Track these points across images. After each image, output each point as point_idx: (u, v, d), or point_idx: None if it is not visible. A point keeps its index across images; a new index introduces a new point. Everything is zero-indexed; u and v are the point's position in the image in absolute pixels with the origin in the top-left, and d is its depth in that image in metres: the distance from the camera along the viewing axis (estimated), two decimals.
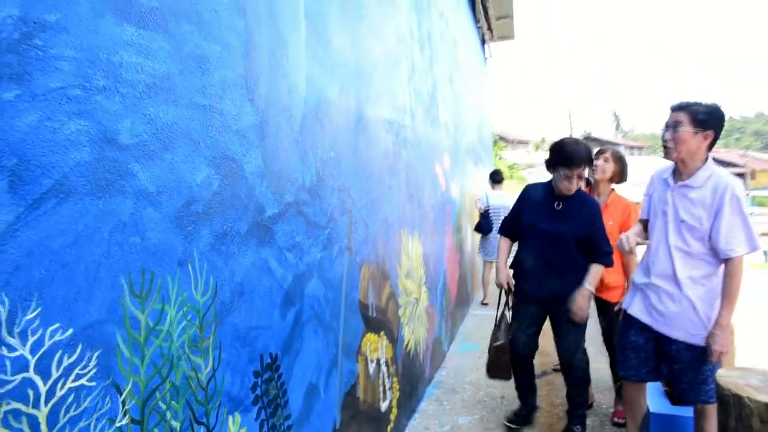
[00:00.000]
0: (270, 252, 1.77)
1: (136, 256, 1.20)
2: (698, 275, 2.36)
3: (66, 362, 1.00)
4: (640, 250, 2.87)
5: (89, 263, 1.07)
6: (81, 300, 1.04)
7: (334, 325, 2.30)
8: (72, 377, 1.01)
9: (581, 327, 3.07)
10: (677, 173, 2.45)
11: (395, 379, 3.14)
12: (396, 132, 3.36)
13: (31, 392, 0.93)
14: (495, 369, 3.30)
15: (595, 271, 2.99)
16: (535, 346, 3.19)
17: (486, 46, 10.83)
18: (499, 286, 3.30)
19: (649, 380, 2.64)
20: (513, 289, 3.26)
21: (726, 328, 2.28)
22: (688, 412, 2.61)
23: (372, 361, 2.75)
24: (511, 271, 3.27)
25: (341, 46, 2.47)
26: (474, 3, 8.78)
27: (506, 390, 3.85)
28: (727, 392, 1.94)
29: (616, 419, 3.34)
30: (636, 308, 2.58)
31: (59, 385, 0.99)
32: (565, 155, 2.87)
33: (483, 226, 6.43)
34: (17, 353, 0.91)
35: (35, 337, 0.94)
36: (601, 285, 3.20)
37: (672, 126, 2.36)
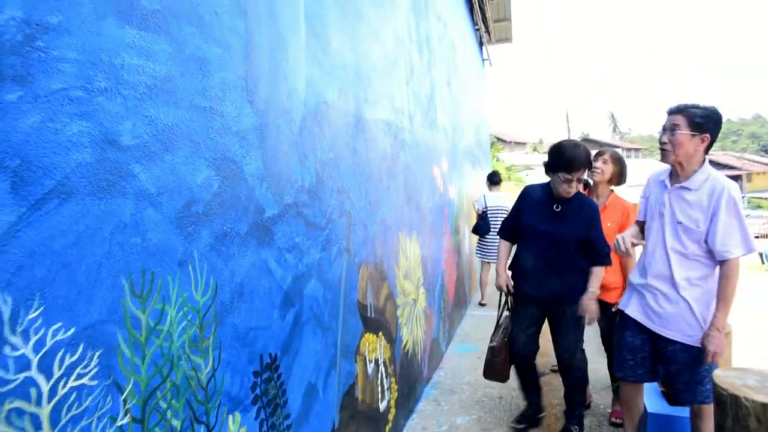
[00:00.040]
0: (270, 253, 1.78)
1: (137, 257, 1.21)
2: (695, 277, 2.38)
3: (68, 361, 1.01)
4: (637, 251, 2.88)
5: (90, 263, 1.08)
6: (82, 300, 1.05)
7: (333, 326, 2.31)
8: (74, 376, 1.02)
9: (580, 328, 3.08)
10: (674, 175, 2.47)
11: (393, 380, 3.15)
12: (394, 134, 3.37)
13: (33, 391, 0.94)
14: (490, 370, 3.31)
15: (598, 272, 3.01)
16: (536, 347, 3.20)
17: (484, 48, 10.85)
18: (499, 288, 3.31)
19: (645, 381, 2.65)
20: (512, 291, 3.28)
21: (721, 329, 2.30)
22: (684, 412, 2.63)
23: (370, 362, 2.76)
24: (510, 273, 3.28)
25: (340, 48, 2.48)
26: (472, 6, 8.81)
27: (504, 390, 3.86)
28: (724, 392, 1.96)
29: (613, 419, 3.36)
30: (633, 309, 2.60)
31: (61, 384, 0.99)
32: (565, 160, 2.87)
33: (481, 227, 6.44)
34: (20, 352, 0.92)
35: (37, 336, 0.95)
36: (600, 286, 3.22)
37: (669, 129, 2.37)
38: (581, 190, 3.08)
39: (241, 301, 1.60)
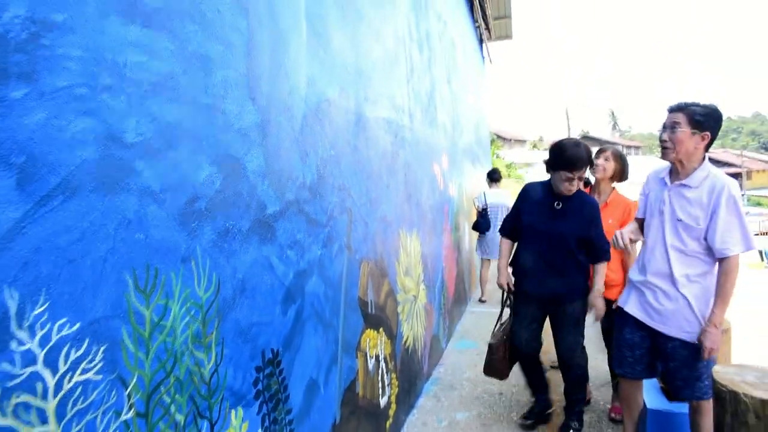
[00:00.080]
0: (271, 249, 1.79)
1: (141, 253, 1.22)
2: (694, 274, 2.39)
3: (73, 356, 1.02)
4: (637, 248, 2.90)
5: (95, 259, 1.09)
6: (87, 295, 1.06)
7: (334, 322, 2.32)
8: (79, 371, 1.03)
9: (580, 326, 3.10)
10: (674, 173, 2.48)
11: (394, 376, 3.16)
12: (395, 132, 3.38)
13: (39, 385, 0.95)
14: (489, 368, 3.32)
15: (601, 270, 3.05)
16: (539, 344, 3.21)
17: (484, 46, 10.84)
18: (500, 286, 3.33)
19: (643, 377, 2.66)
20: (513, 289, 3.29)
21: (718, 326, 2.31)
22: (684, 408, 2.64)
23: (371, 358, 2.77)
24: (511, 269, 3.29)
25: (341, 46, 2.49)
26: (472, 3, 8.80)
27: (504, 387, 3.88)
28: (723, 388, 1.97)
29: (613, 415, 3.37)
30: (632, 306, 2.61)
31: (66, 378, 1.00)
32: (566, 159, 2.87)
33: (481, 224, 6.45)
34: (26, 347, 0.93)
35: (43, 331, 0.96)
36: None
37: (670, 127, 2.38)
38: (582, 187, 3.09)
39: (244, 297, 1.61)
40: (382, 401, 2.93)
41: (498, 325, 3.43)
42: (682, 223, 2.39)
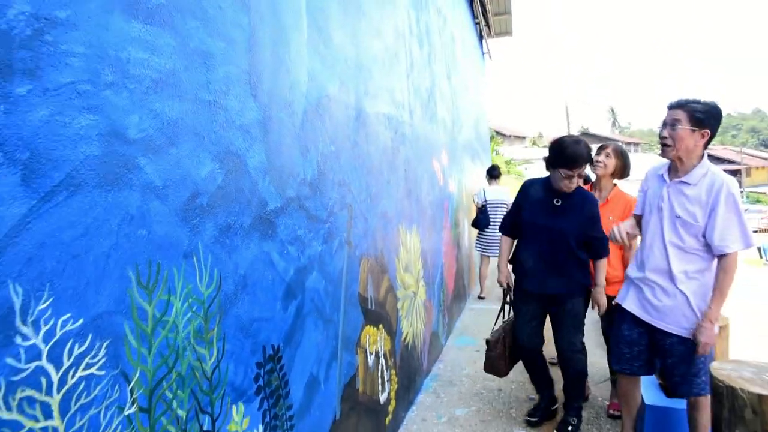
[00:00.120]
0: (272, 245, 1.79)
1: (143, 248, 1.22)
2: (692, 270, 2.40)
3: (77, 351, 1.03)
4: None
5: (98, 255, 1.09)
6: (90, 291, 1.07)
7: (334, 318, 2.33)
8: (83, 366, 1.04)
9: (581, 324, 3.12)
10: (673, 170, 2.48)
11: (393, 372, 3.17)
12: (395, 128, 3.38)
13: (44, 380, 0.96)
14: (487, 364, 3.34)
15: (602, 266, 3.08)
16: (541, 339, 3.22)
17: (484, 42, 10.83)
18: (500, 284, 3.35)
19: (641, 374, 2.68)
20: (512, 287, 3.31)
21: (714, 321, 2.32)
22: (681, 404, 2.66)
23: (371, 354, 2.79)
24: (511, 267, 3.30)
25: (342, 42, 2.49)
26: (472, 0, 8.79)
27: (503, 383, 3.89)
28: (720, 384, 1.98)
29: (611, 411, 3.39)
30: (630, 302, 2.62)
31: (70, 373, 1.01)
32: (567, 156, 2.88)
33: (480, 221, 6.46)
34: (30, 342, 0.93)
35: (47, 326, 0.97)
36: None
37: (670, 124, 2.38)
38: (581, 185, 3.09)
39: (245, 293, 1.62)
40: (382, 397, 2.94)
41: (497, 322, 3.44)
42: (681, 220, 2.39)
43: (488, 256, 6.71)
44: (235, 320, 1.57)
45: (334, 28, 2.40)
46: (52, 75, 0.99)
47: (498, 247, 3.47)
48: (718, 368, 2.09)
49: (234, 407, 1.56)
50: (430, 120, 4.60)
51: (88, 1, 1.07)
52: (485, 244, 6.64)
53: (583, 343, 3.15)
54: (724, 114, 2.43)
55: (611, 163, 3.30)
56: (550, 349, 3.35)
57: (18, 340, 0.91)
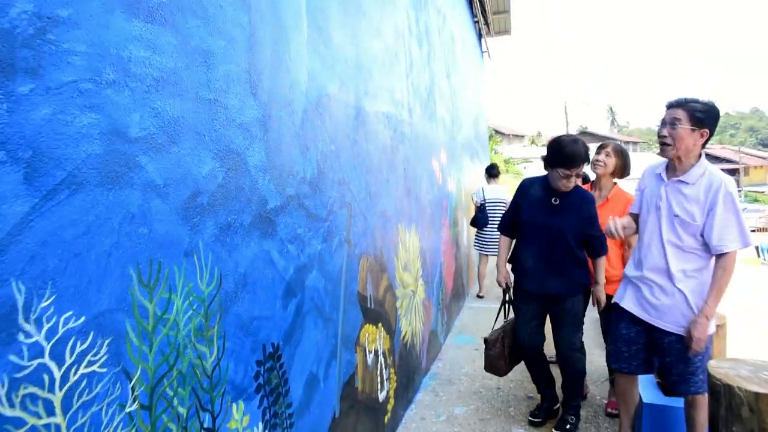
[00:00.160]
0: (272, 244, 1.80)
1: (144, 247, 1.23)
2: (690, 269, 2.41)
3: (79, 349, 1.03)
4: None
5: (100, 253, 1.10)
6: (92, 289, 1.07)
7: (334, 316, 2.33)
8: (84, 363, 1.04)
9: (580, 323, 3.13)
10: (671, 169, 2.49)
11: (392, 370, 3.18)
12: (394, 127, 3.39)
13: (46, 377, 0.96)
14: (487, 363, 3.35)
15: (601, 264, 3.11)
16: (542, 338, 3.23)
17: (483, 40, 10.84)
18: (500, 285, 3.36)
19: (639, 373, 2.68)
20: (511, 287, 3.32)
21: (709, 317, 2.32)
22: (679, 402, 2.67)
23: (370, 352, 2.79)
24: (510, 266, 3.31)
25: (342, 41, 2.49)
26: None
27: (502, 381, 3.91)
28: (718, 382, 2.00)
29: (609, 410, 3.40)
30: (628, 301, 2.62)
31: (72, 371, 1.02)
32: (565, 156, 2.89)
33: (479, 219, 6.47)
34: (33, 339, 0.94)
35: (50, 324, 0.97)
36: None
37: (670, 123, 2.38)
38: (580, 184, 3.10)
39: (245, 292, 1.63)
40: (381, 396, 2.95)
41: (497, 322, 3.45)
42: (679, 219, 2.40)
43: (487, 255, 6.72)
44: (236, 318, 1.58)
45: (334, 27, 2.41)
46: (54, 74, 0.99)
47: (497, 246, 3.48)
48: (716, 366, 2.10)
49: (234, 405, 1.56)
50: (429, 119, 4.61)
51: (89, 0, 1.07)
52: (484, 242, 6.65)
53: (582, 343, 3.16)
54: (722, 113, 2.44)
55: (611, 162, 3.30)
56: (549, 348, 3.36)
57: (21, 337, 0.91)
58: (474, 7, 9.08)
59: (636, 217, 2.69)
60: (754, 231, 21.73)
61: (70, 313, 1.02)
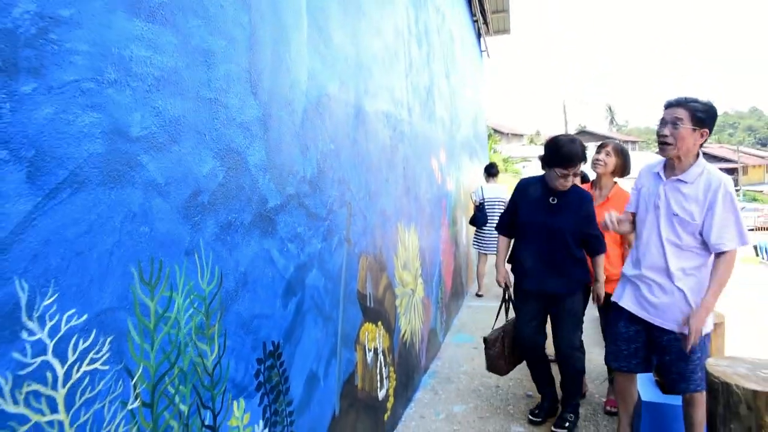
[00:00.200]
0: (272, 243, 1.81)
1: (146, 246, 1.23)
2: (689, 267, 2.41)
3: (81, 346, 1.04)
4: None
5: (102, 252, 1.10)
6: (94, 287, 1.08)
7: (334, 315, 2.34)
8: (87, 361, 1.05)
9: (580, 322, 3.15)
10: (669, 168, 2.49)
11: (392, 369, 3.19)
12: (393, 126, 3.39)
13: (49, 374, 0.97)
14: (487, 362, 3.36)
15: (600, 261, 3.14)
16: (543, 337, 3.24)
17: (482, 40, 10.84)
18: (500, 284, 3.37)
19: (638, 371, 2.69)
20: (511, 286, 3.33)
21: (708, 309, 2.31)
22: (678, 400, 2.68)
23: (369, 351, 2.80)
24: (509, 266, 3.32)
25: (341, 41, 2.50)
26: None
27: (501, 380, 3.91)
28: (716, 380, 2.00)
29: (608, 408, 3.41)
30: (627, 300, 2.63)
31: (75, 368, 1.02)
32: (562, 156, 2.90)
33: (478, 218, 6.48)
34: (36, 337, 0.94)
35: (52, 322, 0.98)
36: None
37: (671, 122, 2.37)
38: (579, 183, 3.11)
39: (245, 290, 1.63)
40: (381, 394, 2.96)
41: (497, 322, 3.46)
42: (678, 218, 2.41)
43: (486, 254, 6.73)
44: (236, 317, 1.58)
45: (334, 27, 2.41)
46: (57, 73, 1.00)
47: (495, 245, 3.49)
48: (714, 364, 2.11)
49: (235, 403, 1.57)
50: (428, 118, 4.62)
51: (91, 0, 1.08)
52: (483, 241, 6.66)
53: (582, 342, 3.17)
54: (721, 112, 2.46)
55: (611, 161, 3.30)
56: (548, 347, 3.37)
57: (24, 335, 0.92)
58: (473, 6, 9.09)
59: (633, 216, 2.70)
60: (752, 230, 21.77)
61: (73, 311, 1.02)
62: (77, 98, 1.04)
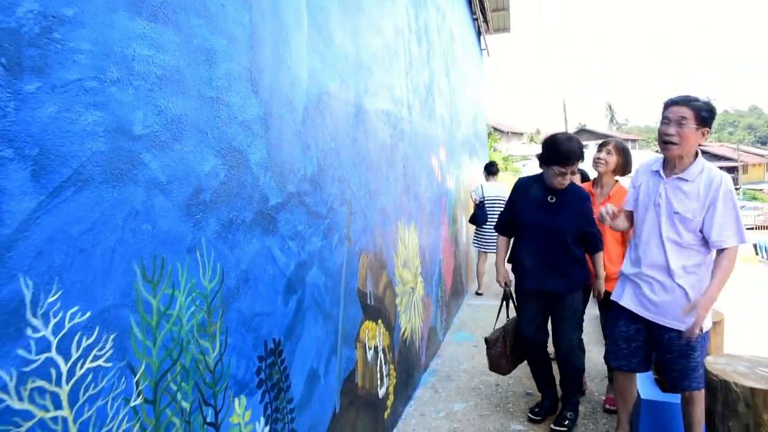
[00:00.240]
0: (273, 240, 1.81)
1: (148, 243, 1.24)
2: (690, 265, 2.42)
3: (85, 343, 1.05)
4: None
5: (105, 249, 1.11)
6: (97, 284, 1.09)
7: (334, 313, 2.35)
8: (90, 358, 1.06)
9: (580, 320, 3.16)
10: (669, 166, 2.49)
11: (392, 367, 3.20)
12: (393, 124, 3.40)
13: (53, 371, 0.98)
14: (489, 362, 3.37)
15: (598, 259, 3.16)
16: (546, 335, 3.25)
17: (482, 38, 10.84)
18: (500, 284, 3.38)
19: (639, 371, 2.69)
20: (511, 286, 3.34)
21: (713, 299, 2.31)
22: (677, 399, 2.69)
23: (370, 349, 2.81)
24: (509, 266, 3.33)
25: (342, 40, 2.50)
26: None
27: (501, 378, 3.92)
28: (714, 378, 2.02)
29: (607, 406, 3.42)
30: (627, 299, 2.63)
31: (78, 365, 1.03)
32: (560, 154, 2.91)
33: (478, 217, 6.48)
34: (40, 334, 0.95)
35: (56, 319, 0.99)
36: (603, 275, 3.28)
37: (677, 122, 2.36)
38: (579, 182, 3.12)
39: (247, 288, 1.64)
40: (381, 392, 2.97)
41: (497, 322, 3.47)
42: (679, 216, 2.41)
43: (486, 252, 6.74)
44: (237, 314, 1.59)
45: (334, 26, 2.42)
46: (60, 72, 1.00)
47: (495, 244, 3.50)
48: (713, 362, 2.12)
49: (236, 400, 1.58)
50: (428, 117, 4.62)
51: None
52: (483, 240, 6.67)
53: (582, 340, 3.18)
54: (721, 111, 2.48)
55: (612, 160, 3.30)
56: (549, 345, 3.38)
57: (29, 332, 0.93)
58: (473, 4, 9.09)
59: (630, 214, 2.70)
60: (752, 229, 21.79)
61: (76, 308, 1.03)
62: (80, 97, 1.05)
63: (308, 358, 2.08)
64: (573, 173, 2.98)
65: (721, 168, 2.46)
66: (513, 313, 3.45)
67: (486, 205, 6.47)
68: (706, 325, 2.44)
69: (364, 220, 2.76)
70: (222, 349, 1.52)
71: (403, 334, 3.49)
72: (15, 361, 0.90)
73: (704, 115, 2.34)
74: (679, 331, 2.44)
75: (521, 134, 50.40)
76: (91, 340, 1.06)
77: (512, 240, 3.33)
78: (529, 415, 3.31)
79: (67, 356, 1.01)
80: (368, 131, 2.86)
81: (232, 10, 1.59)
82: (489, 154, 13.40)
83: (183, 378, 1.35)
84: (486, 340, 3.32)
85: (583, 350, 3.19)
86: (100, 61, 1.10)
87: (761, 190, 39.02)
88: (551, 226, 3.03)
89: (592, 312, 4.04)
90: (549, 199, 3.07)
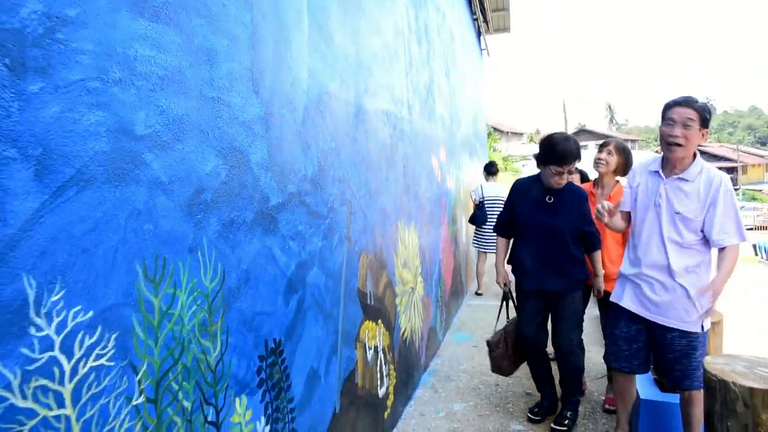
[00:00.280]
0: (274, 240, 1.82)
1: (150, 243, 1.25)
2: (691, 264, 2.43)
3: (87, 342, 1.05)
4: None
5: (107, 249, 1.12)
6: (100, 284, 1.09)
7: (334, 313, 2.36)
8: (93, 357, 1.07)
9: (580, 320, 3.17)
10: (668, 167, 2.49)
11: (392, 367, 3.21)
12: (393, 124, 3.41)
13: (56, 370, 0.98)
14: (492, 364, 3.37)
15: (597, 257, 3.18)
16: (545, 336, 3.26)
17: (482, 38, 10.84)
18: (500, 285, 3.39)
19: (640, 372, 2.69)
20: (511, 286, 3.35)
21: (719, 288, 2.32)
22: (676, 399, 2.70)
23: (370, 349, 2.82)
24: (509, 267, 3.34)
25: (342, 40, 2.51)
26: None
27: (500, 378, 3.93)
28: (713, 378, 2.02)
29: (607, 406, 3.43)
30: (627, 300, 2.63)
31: (81, 364, 1.04)
32: (557, 153, 2.92)
33: (478, 217, 6.49)
34: (44, 333, 0.96)
35: (59, 318, 0.99)
36: (602, 275, 3.28)
37: (683, 123, 2.36)
38: (579, 181, 3.13)
39: (247, 287, 1.65)
40: (381, 392, 2.97)
41: (498, 323, 3.48)
42: (680, 216, 2.42)
43: (485, 253, 6.74)
44: (238, 314, 1.60)
45: (335, 26, 2.42)
46: (63, 72, 1.01)
47: (495, 244, 3.51)
48: (711, 362, 2.13)
49: (237, 399, 1.59)
50: (428, 117, 4.63)
51: (96, 0, 1.09)
52: (482, 240, 6.67)
53: (581, 340, 3.19)
54: (720, 111, 2.49)
55: (613, 160, 3.30)
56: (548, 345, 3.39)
57: (32, 330, 0.93)
58: (473, 4, 9.09)
59: (627, 215, 2.71)
60: (751, 229, 21.80)
61: (79, 307, 1.04)
62: (83, 97, 1.06)
63: (308, 357, 2.09)
64: (570, 173, 2.99)
65: (720, 168, 2.48)
66: (513, 314, 3.46)
67: (486, 205, 6.48)
68: (706, 324, 2.45)
69: (364, 220, 2.77)
70: (223, 348, 1.52)
71: (403, 334, 3.49)
72: (18, 360, 0.91)
73: (706, 117, 2.36)
74: (682, 331, 2.45)
75: (521, 134, 50.41)
76: (93, 339, 1.07)
77: (512, 240, 3.34)
78: (529, 415, 3.32)
79: (69, 355, 1.01)
80: (368, 131, 2.87)
81: (233, 10, 1.59)
82: (489, 154, 13.41)
83: (184, 377, 1.36)
84: (488, 342, 3.32)
85: (583, 350, 3.20)
86: (103, 61, 1.11)
87: (761, 190, 39.04)
88: (550, 226, 3.04)
89: (592, 312, 4.04)
90: (547, 199, 3.08)
